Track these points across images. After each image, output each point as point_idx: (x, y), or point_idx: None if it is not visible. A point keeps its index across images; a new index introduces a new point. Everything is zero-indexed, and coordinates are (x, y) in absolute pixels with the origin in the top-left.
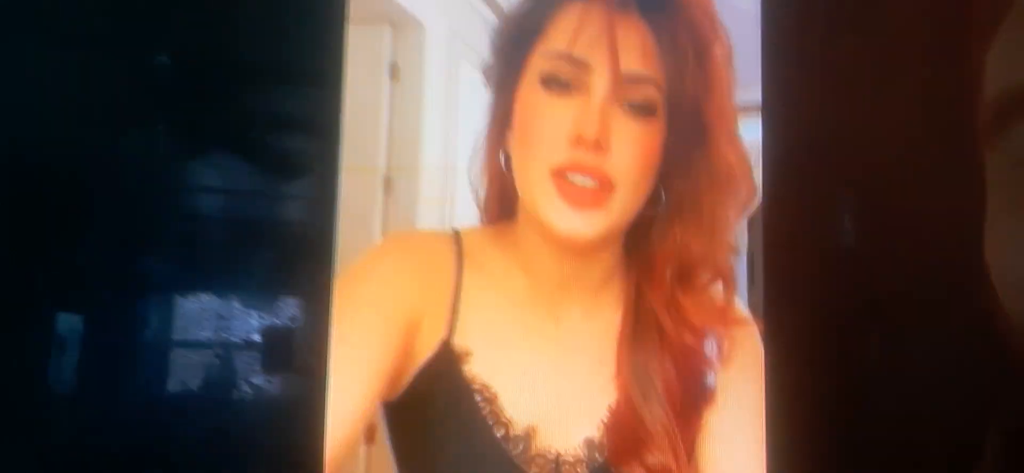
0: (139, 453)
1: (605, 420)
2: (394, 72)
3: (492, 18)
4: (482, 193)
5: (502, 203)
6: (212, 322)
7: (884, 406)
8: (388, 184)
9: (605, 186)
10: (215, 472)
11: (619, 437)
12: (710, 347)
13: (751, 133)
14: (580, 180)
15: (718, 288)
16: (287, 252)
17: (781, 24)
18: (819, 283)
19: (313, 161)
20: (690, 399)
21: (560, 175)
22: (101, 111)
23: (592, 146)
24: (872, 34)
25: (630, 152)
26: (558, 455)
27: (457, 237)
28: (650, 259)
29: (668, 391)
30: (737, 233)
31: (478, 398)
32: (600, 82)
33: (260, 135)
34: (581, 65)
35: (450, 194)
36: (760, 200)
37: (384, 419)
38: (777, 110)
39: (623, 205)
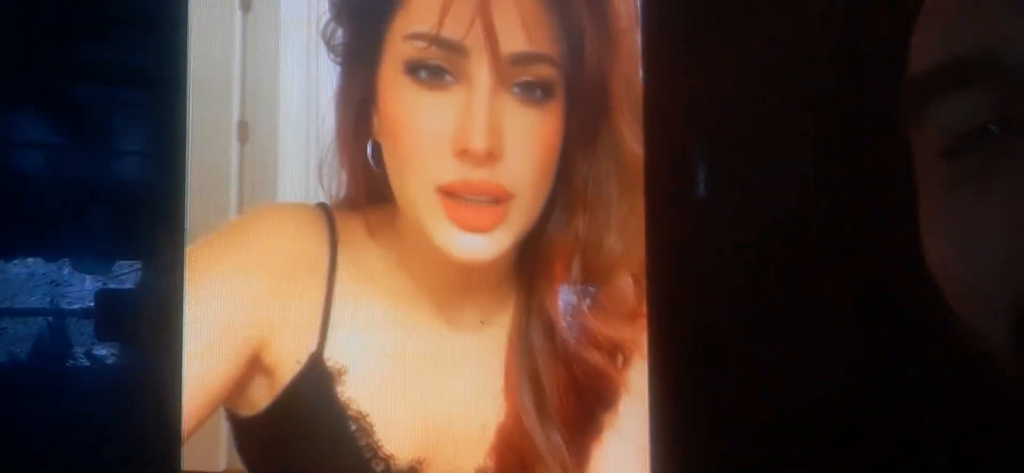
0: None
1: (493, 444)
2: (245, 3)
3: None
4: (342, 191)
5: (370, 191)
6: (44, 289)
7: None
8: (243, 130)
9: (502, 199)
10: (60, 446)
11: (505, 461)
12: (615, 354)
13: None
14: (473, 199)
15: (628, 287)
16: (128, 214)
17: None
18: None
19: (156, 110)
20: (587, 410)
21: (449, 194)
22: None
23: (482, 159)
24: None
25: (526, 151)
26: None
27: (330, 220)
28: (546, 258)
29: (562, 405)
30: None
31: (353, 427)
32: (481, 69)
33: (92, 83)
34: (455, 49)
35: (315, 142)
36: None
37: (234, 436)
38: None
39: (524, 213)
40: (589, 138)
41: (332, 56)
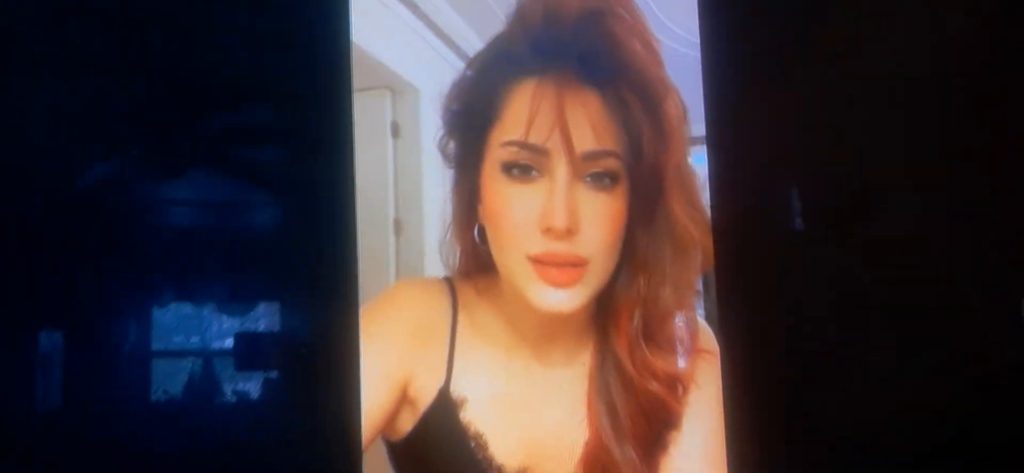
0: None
1: (581, 458)
2: (395, 131)
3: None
4: (457, 264)
5: (478, 264)
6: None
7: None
8: (397, 226)
9: (579, 264)
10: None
11: (590, 470)
12: (674, 385)
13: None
14: (556, 266)
15: (682, 329)
16: (318, 290)
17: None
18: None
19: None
20: (655, 431)
21: (537, 262)
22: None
23: (562, 235)
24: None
25: (598, 227)
26: None
27: (451, 288)
28: (615, 310)
29: (634, 427)
30: (697, 281)
31: (473, 444)
32: (560, 166)
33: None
34: (539, 151)
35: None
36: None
37: (389, 458)
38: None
39: (597, 275)
40: (648, 216)
41: (445, 163)
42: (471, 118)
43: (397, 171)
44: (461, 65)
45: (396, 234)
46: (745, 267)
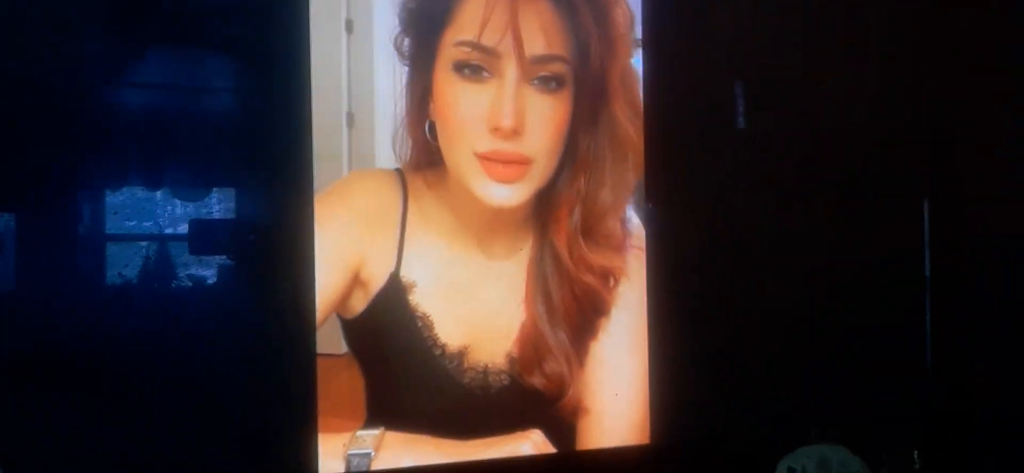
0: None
1: (516, 339)
2: (349, 27)
3: None
4: (408, 157)
5: (429, 157)
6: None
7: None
8: (350, 118)
9: (524, 162)
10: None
11: (525, 351)
12: (606, 277)
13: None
14: (502, 163)
15: (617, 226)
16: (274, 176)
17: None
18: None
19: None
20: (586, 318)
21: (484, 158)
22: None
23: (509, 134)
24: None
25: (543, 129)
26: (486, 367)
27: (402, 178)
28: (556, 206)
29: (566, 313)
30: (633, 182)
31: (420, 323)
32: (509, 67)
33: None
34: (491, 53)
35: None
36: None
37: (344, 334)
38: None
39: (540, 173)
40: (591, 119)
41: (401, 59)
42: (426, 18)
43: (350, 66)
44: None
45: (349, 126)
46: (673, 165)
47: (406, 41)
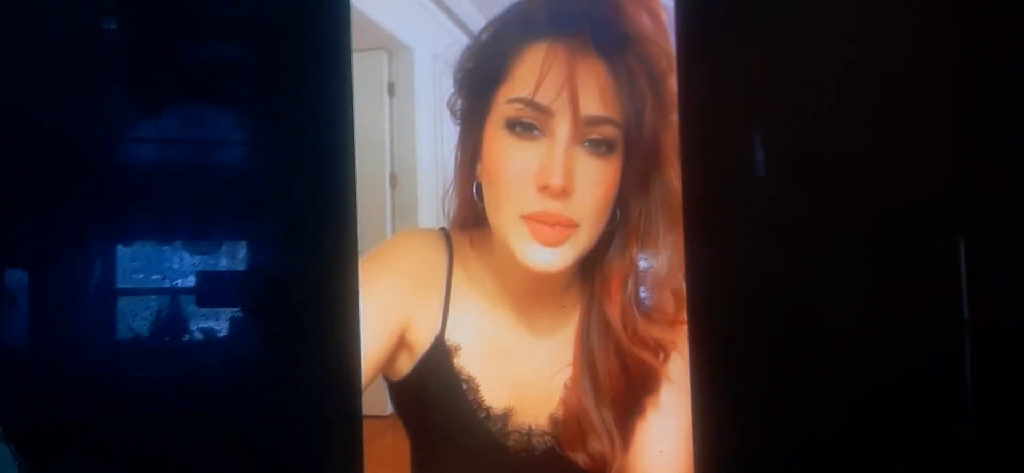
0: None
1: (562, 408)
2: (391, 89)
3: (467, 41)
4: (453, 213)
5: (474, 218)
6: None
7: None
8: (393, 180)
9: (570, 225)
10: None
11: (569, 427)
12: (658, 351)
13: None
14: (548, 225)
15: (669, 301)
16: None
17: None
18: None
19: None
20: (635, 395)
21: (530, 219)
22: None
23: (558, 193)
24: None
25: (591, 192)
26: (530, 428)
27: (448, 238)
28: (607, 273)
29: (613, 390)
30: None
31: (465, 386)
32: (562, 127)
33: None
34: (544, 110)
35: (441, 186)
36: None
37: (390, 395)
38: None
39: (587, 238)
40: (644, 185)
41: (454, 119)
42: (482, 77)
43: (393, 128)
44: (452, 27)
45: (392, 187)
46: (713, 221)
47: (459, 102)
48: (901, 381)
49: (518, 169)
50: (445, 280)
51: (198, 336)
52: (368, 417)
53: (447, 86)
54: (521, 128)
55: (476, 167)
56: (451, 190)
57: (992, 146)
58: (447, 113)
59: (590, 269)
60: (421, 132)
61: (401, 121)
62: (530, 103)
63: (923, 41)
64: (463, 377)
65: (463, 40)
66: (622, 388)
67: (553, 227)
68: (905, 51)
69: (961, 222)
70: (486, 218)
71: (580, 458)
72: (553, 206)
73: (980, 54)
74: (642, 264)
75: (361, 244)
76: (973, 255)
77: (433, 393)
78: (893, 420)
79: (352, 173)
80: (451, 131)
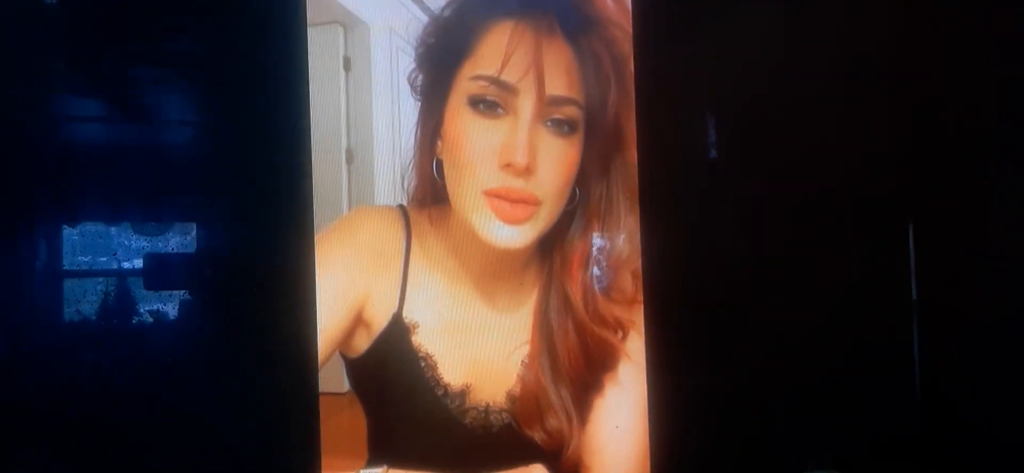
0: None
1: (519, 385)
2: (347, 64)
3: (424, 17)
4: (411, 191)
5: (434, 195)
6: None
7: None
8: (349, 154)
9: (533, 203)
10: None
11: (527, 405)
12: (617, 330)
13: None
14: (511, 201)
15: (628, 281)
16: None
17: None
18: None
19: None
20: (594, 373)
21: (493, 196)
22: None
23: (521, 172)
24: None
25: (554, 170)
26: (487, 405)
27: (405, 215)
28: (567, 252)
29: (572, 368)
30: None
31: (423, 364)
32: (526, 105)
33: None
34: (509, 89)
35: (398, 162)
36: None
37: (347, 372)
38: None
39: (548, 216)
40: (605, 167)
41: (414, 95)
42: (445, 53)
43: (349, 104)
44: (409, 2)
45: (348, 163)
46: (669, 204)
47: (420, 77)
48: (851, 360)
49: (481, 146)
50: (403, 257)
51: (148, 318)
52: (325, 394)
53: (405, 62)
54: (484, 106)
55: (437, 144)
56: (410, 167)
57: (941, 132)
58: (405, 89)
59: (550, 248)
60: (378, 108)
61: (357, 97)
62: (495, 81)
63: (877, 26)
64: (421, 354)
65: (420, 17)
66: (580, 366)
67: (515, 204)
68: (859, 37)
69: (910, 207)
70: (446, 195)
71: (537, 435)
72: (516, 183)
73: (931, 42)
74: (602, 244)
75: (317, 221)
76: (921, 239)
77: (391, 370)
78: (843, 398)
79: (308, 149)
80: (409, 107)
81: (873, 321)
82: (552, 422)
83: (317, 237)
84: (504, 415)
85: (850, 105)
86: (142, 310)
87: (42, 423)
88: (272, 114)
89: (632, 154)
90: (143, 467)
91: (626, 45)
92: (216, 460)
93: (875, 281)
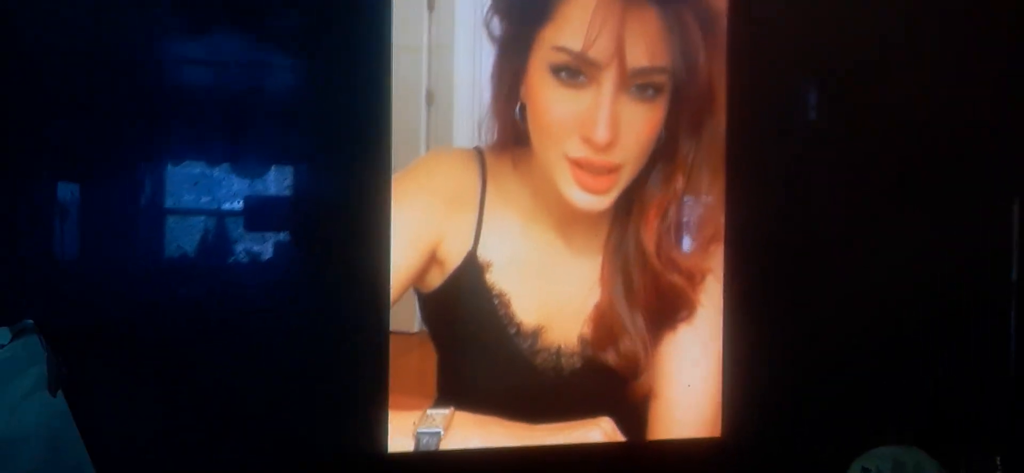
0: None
1: (590, 316)
2: (431, 3)
3: None
4: (494, 138)
5: (516, 137)
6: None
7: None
8: (430, 96)
9: (614, 171)
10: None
11: (599, 330)
12: (693, 276)
13: None
14: (593, 173)
15: (711, 234)
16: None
17: None
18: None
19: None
20: (667, 311)
21: (574, 164)
22: None
23: (602, 148)
24: None
25: (636, 135)
26: (559, 348)
27: (481, 157)
28: (644, 203)
29: (646, 300)
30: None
31: (496, 302)
32: (608, 77)
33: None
34: (593, 64)
35: (479, 105)
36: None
37: (419, 308)
38: None
39: (627, 176)
40: (694, 126)
41: (488, 38)
42: (526, 9)
43: (431, 44)
44: None
45: (428, 105)
46: (754, 162)
47: (496, 21)
48: (942, 335)
49: (563, 115)
50: (478, 198)
51: (233, 258)
52: (396, 333)
53: (487, 4)
54: (567, 74)
55: (520, 88)
56: (490, 111)
57: None
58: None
59: (629, 196)
60: (460, 50)
61: (440, 37)
62: (578, 56)
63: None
64: (495, 292)
65: None
66: (655, 302)
67: (597, 176)
68: (971, 2)
69: (1017, 183)
70: (528, 138)
71: (610, 358)
72: (598, 156)
73: None
74: (682, 203)
75: (395, 161)
76: None
77: (464, 307)
78: (930, 374)
79: (388, 89)
80: (491, 50)
81: (968, 298)
82: (626, 345)
83: (394, 178)
84: (575, 359)
85: (959, 73)
86: (228, 249)
87: (134, 350)
88: (354, 54)
89: (721, 118)
90: (221, 397)
91: (714, 6)
92: (286, 394)
93: (973, 258)
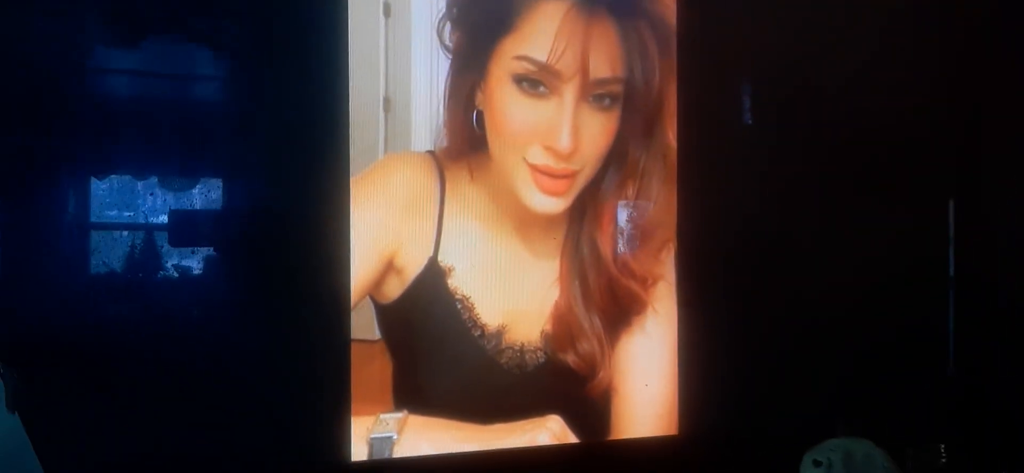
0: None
1: (550, 316)
2: (387, 10)
3: None
4: (445, 144)
5: (472, 144)
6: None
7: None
8: (387, 103)
9: (573, 176)
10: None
11: (559, 330)
12: (646, 279)
13: None
14: (552, 177)
15: (659, 244)
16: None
17: None
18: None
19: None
20: (622, 311)
21: (535, 169)
22: None
23: (565, 157)
24: None
25: (594, 143)
26: (522, 345)
27: (438, 162)
28: (598, 207)
29: (601, 301)
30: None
31: (459, 306)
32: (570, 88)
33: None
34: (557, 75)
35: (436, 112)
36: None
37: (377, 319)
38: None
39: (584, 180)
40: (645, 134)
41: (443, 49)
42: (481, 19)
43: (388, 50)
44: None
45: (385, 111)
46: (701, 160)
47: (450, 31)
48: (887, 330)
49: (524, 123)
50: (437, 202)
51: (191, 269)
52: (357, 341)
53: (440, 13)
54: (529, 85)
55: (476, 96)
56: (445, 118)
57: (983, 110)
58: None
59: (582, 199)
60: (417, 56)
61: (397, 44)
62: (543, 67)
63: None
64: (457, 297)
65: None
66: (610, 303)
67: (557, 179)
68: (905, 8)
69: (953, 184)
70: (485, 144)
71: (570, 359)
72: (559, 164)
73: (978, 8)
74: (634, 207)
75: (352, 168)
76: (961, 216)
77: (426, 314)
78: (874, 367)
79: (345, 96)
80: (447, 58)
81: (907, 294)
82: (584, 346)
83: (353, 181)
84: (539, 354)
85: (897, 80)
86: (192, 260)
87: (68, 372)
88: (311, 60)
89: (672, 128)
90: (177, 413)
91: (670, 20)
92: (248, 404)
93: (911, 256)
